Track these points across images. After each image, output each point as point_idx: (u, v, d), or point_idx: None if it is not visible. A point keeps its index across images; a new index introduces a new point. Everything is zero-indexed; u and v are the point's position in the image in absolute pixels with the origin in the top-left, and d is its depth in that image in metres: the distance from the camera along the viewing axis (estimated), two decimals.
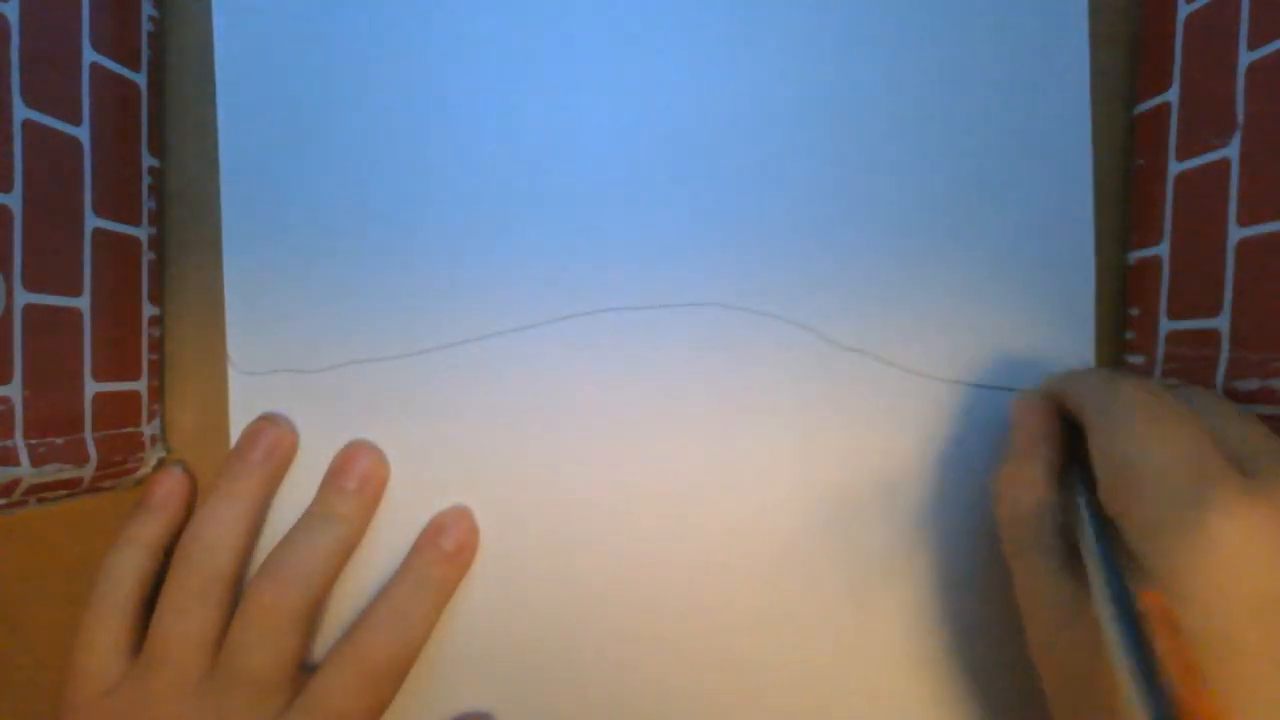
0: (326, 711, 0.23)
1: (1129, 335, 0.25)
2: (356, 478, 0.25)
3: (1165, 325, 0.24)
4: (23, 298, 0.21)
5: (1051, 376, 0.24)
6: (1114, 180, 0.26)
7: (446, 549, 0.25)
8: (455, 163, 0.26)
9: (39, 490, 0.22)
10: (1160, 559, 0.18)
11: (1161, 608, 0.18)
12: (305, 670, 0.24)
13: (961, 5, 0.26)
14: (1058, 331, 0.26)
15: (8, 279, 0.21)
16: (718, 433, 0.26)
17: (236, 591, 0.24)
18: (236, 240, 0.26)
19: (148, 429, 0.26)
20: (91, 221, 0.23)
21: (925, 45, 0.26)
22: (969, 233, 0.25)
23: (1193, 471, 0.18)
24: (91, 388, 0.23)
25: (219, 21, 0.26)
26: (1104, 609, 0.18)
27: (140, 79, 0.25)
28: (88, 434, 0.23)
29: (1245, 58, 0.21)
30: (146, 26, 0.26)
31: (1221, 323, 0.22)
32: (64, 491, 0.23)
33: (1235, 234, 0.21)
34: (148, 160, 0.26)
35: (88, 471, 0.23)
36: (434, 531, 0.25)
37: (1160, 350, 0.24)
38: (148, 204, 0.26)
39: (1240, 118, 0.21)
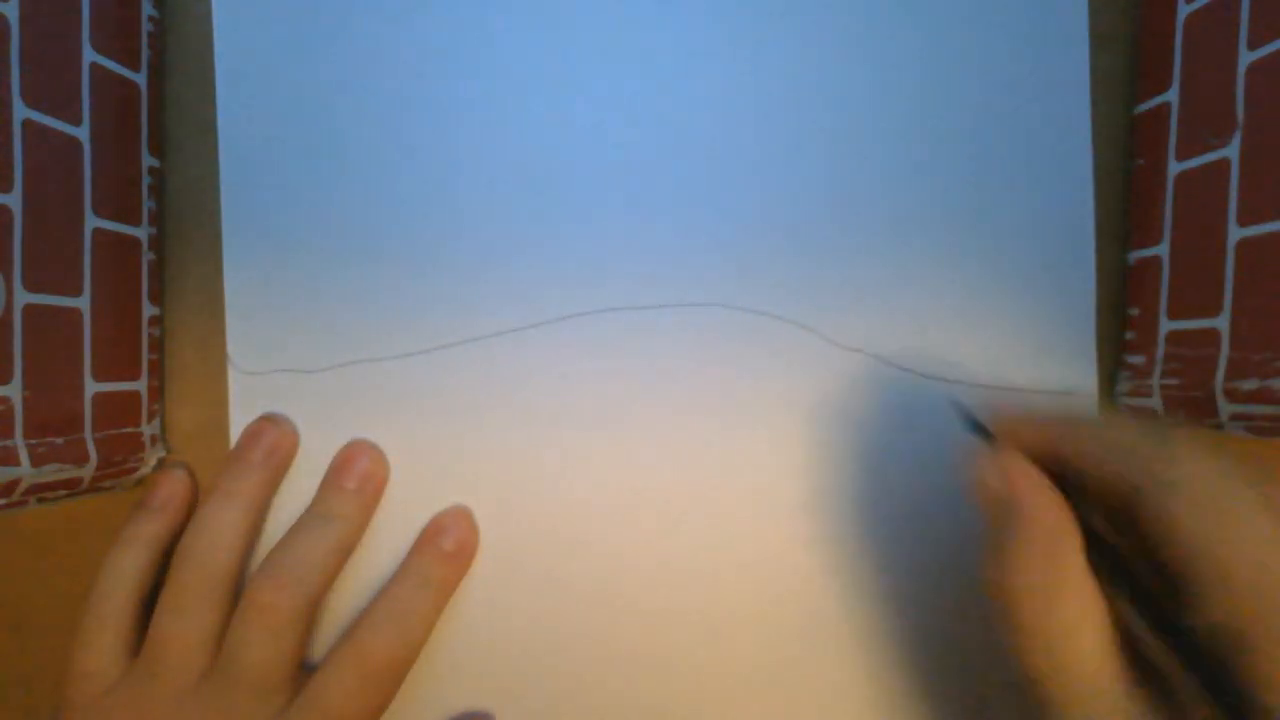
0: (326, 711, 0.23)
1: (1129, 335, 0.25)
2: (356, 477, 0.25)
3: (1165, 325, 0.24)
4: (23, 298, 0.21)
5: (1035, 420, 0.20)
6: (1114, 180, 0.26)
7: (446, 549, 0.25)
8: (455, 162, 0.26)
9: (39, 490, 0.22)
10: None
11: None
12: (305, 670, 0.24)
13: (961, 5, 0.26)
14: (1058, 331, 0.26)
15: (8, 279, 0.21)
16: (718, 432, 0.26)
17: (236, 591, 0.24)
18: (236, 240, 0.26)
19: (148, 429, 0.26)
20: (91, 221, 0.23)
21: (925, 45, 0.26)
22: (969, 233, 0.25)
23: None
24: (91, 388, 0.23)
25: (219, 21, 0.26)
26: None
27: (140, 79, 0.25)
28: (88, 434, 0.23)
29: (1245, 58, 0.21)
30: (146, 26, 0.26)
31: (1221, 323, 0.22)
32: (64, 491, 0.23)
33: (1235, 234, 0.21)
34: (148, 160, 0.26)
35: (88, 471, 0.23)
36: (434, 531, 0.25)
37: (1160, 350, 0.24)
38: (148, 204, 0.26)
39: (1240, 118, 0.21)
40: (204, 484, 0.27)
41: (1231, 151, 0.22)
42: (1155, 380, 0.24)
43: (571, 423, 0.26)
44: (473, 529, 0.26)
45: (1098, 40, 0.26)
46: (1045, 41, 0.25)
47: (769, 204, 0.26)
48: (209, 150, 0.26)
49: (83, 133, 0.23)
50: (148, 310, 0.26)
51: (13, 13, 0.21)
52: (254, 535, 0.25)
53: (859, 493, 0.25)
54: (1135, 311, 0.25)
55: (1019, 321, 0.25)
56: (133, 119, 0.25)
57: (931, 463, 0.25)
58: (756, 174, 0.26)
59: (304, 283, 0.26)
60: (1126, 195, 0.26)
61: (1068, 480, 0.19)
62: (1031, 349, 0.25)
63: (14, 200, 0.21)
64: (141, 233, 0.25)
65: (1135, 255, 0.25)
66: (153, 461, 0.26)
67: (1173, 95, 0.24)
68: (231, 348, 0.26)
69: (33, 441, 0.21)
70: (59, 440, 0.22)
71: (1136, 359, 0.25)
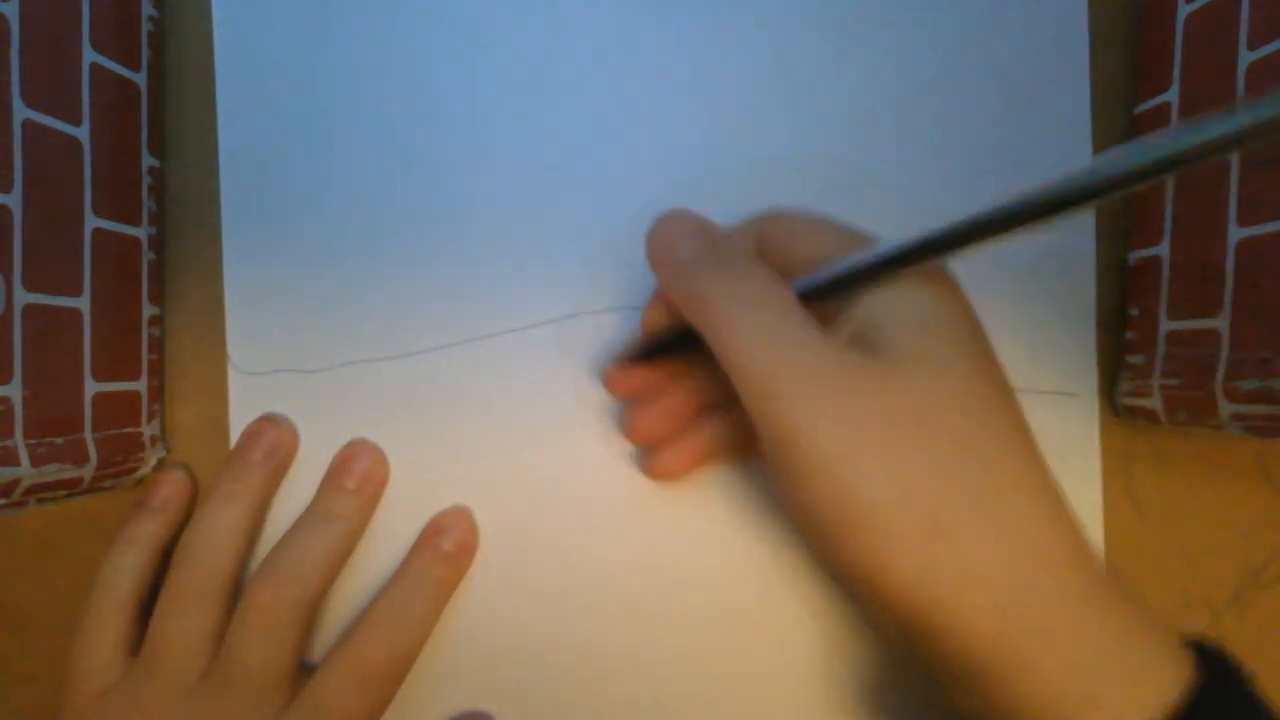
0: (325, 711, 0.23)
1: (1129, 335, 0.25)
2: (357, 477, 0.25)
3: (1165, 325, 0.24)
4: (23, 298, 0.21)
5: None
6: None
7: (446, 549, 0.25)
8: (455, 162, 0.26)
9: (39, 490, 0.22)
10: None
11: None
12: (305, 670, 0.24)
13: (962, 5, 0.26)
14: (1058, 331, 0.26)
15: (8, 279, 0.21)
16: None
17: (236, 591, 0.24)
18: (236, 240, 0.26)
19: (148, 429, 0.26)
20: (91, 221, 0.23)
21: (925, 45, 0.26)
22: None
23: None
24: (91, 388, 0.23)
25: (219, 21, 0.26)
26: None
27: (140, 79, 0.25)
28: (88, 434, 0.23)
29: (1245, 58, 0.21)
30: (146, 26, 0.26)
31: (1221, 323, 0.22)
32: (64, 491, 0.23)
33: (1235, 234, 0.21)
34: (148, 160, 0.26)
35: (88, 471, 0.23)
36: (433, 532, 0.25)
37: (1160, 350, 0.24)
38: (148, 204, 0.26)
39: None
40: (204, 484, 0.27)
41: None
42: (1155, 380, 0.24)
43: (572, 423, 0.26)
44: (472, 529, 0.26)
45: (1098, 40, 0.26)
46: (1045, 41, 0.25)
47: (769, 204, 0.26)
48: (209, 150, 0.26)
49: (83, 133, 0.23)
50: (148, 310, 0.26)
51: (13, 13, 0.21)
52: (254, 535, 0.25)
53: None
54: (1135, 311, 0.25)
55: (1019, 321, 0.25)
56: (133, 119, 0.25)
57: None
58: (756, 174, 0.26)
59: (304, 283, 0.26)
60: (1126, 195, 0.26)
61: None
62: (1031, 349, 0.25)
63: (14, 200, 0.21)
64: (141, 233, 0.25)
65: (1135, 255, 0.25)
66: (153, 461, 0.26)
67: (1173, 95, 0.24)
68: (231, 348, 0.26)
69: (33, 441, 0.21)
70: (59, 440, 0.22)
71: (1136, 359, 0.25)
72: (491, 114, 0.26)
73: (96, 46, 0.23)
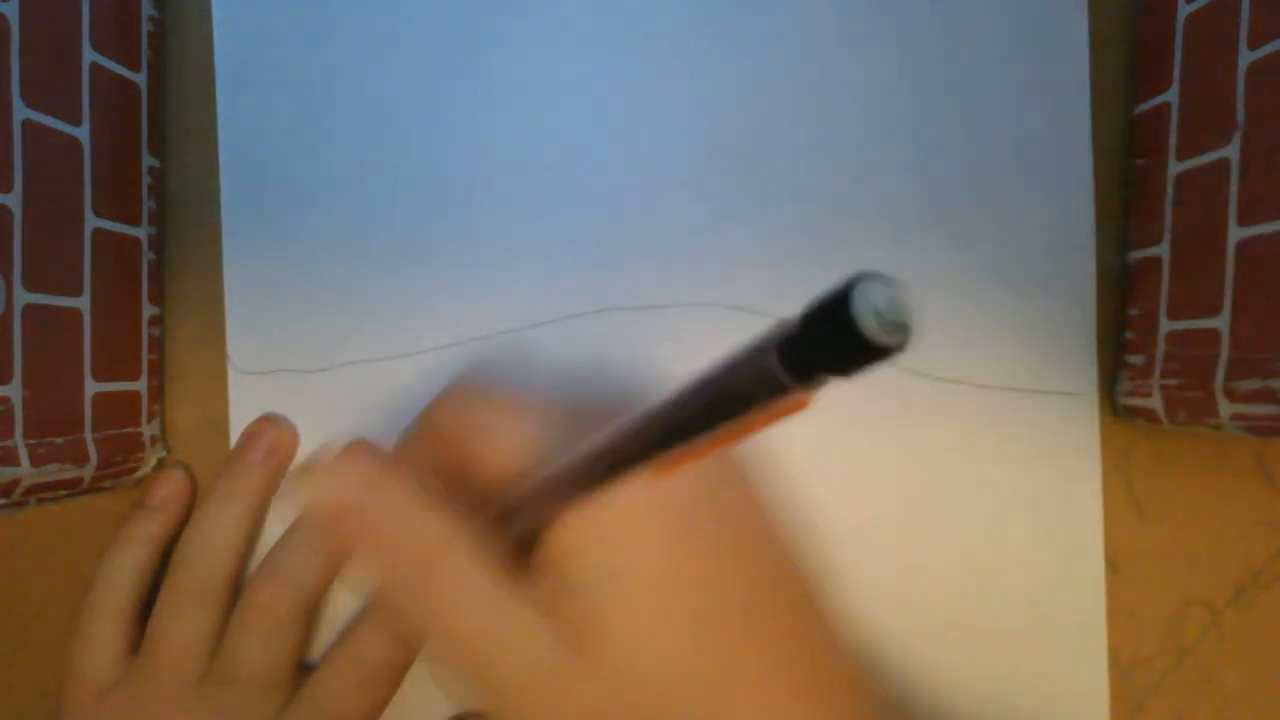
0: (324, 711, 0.23)
1: (1129, 335, 0.25)
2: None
3: (1165, 325, 0.24)
4: (23, 298, 0.21)
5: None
6: (1114, 180, 0.26)
7: None
8: (455, 162, 0.26)
9: (39, 490, 0.22)
10: None
11: None
12: (304, 670, 0.24)
13: (961, 5, 0.26)
14: (1058, 331, 0.26)
15: (8, 279, 0.21)
16: None
17: (235, 592, 0.24)
18: (236, 240, 0.26)
19: (148, 429, 0.26)
20: (91, 221, 0.23)
21: (925, 46, 0.26)
22: (969, 233, 0.25)
23: None
24: (91, 388, 0.23)
25: (219, 21, 0.26)
26: None
27: (140, 79, 0.25)
28: (88, 434, 0.23)
29: (1245, 58, 0.21)
30: (146, 26, 0.26)
31: (1221, 323, 0.22)
32: (64, 491, 0.23)
33: (1235, 234, 0.21)
34: (148, 160, 0.26)
35: (88, 471, 0.23)
36: None
37: (1160, 350, 0.24)
38: (148, 204, 0.26)
39: (1240, 118, 0.21)
40: (204, 484, 0.27)
41: (1231, 151, 0.21)
42: (1155, 380, 0.24)
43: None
44: None
45: (1098, 40, 0.26)
46: (1045, 41, 0.25)
47: (768, 205, 0.26)
48: (209, 150, 0.26)
49: (83, 133, 0.23)
50: (148, 310, 0.26)
51: (13, 13, 0.21)
52: (253, 536, 0.25)
53: (856, 493, 0.25)
54: (1135, 311, 0.25)
55: (1019, 321, 0.25)
56: (133, 119, 0.25)
57: (930, 462, 0.25)
58: (758, 175, 0.26)
59: (304, 283, 0.26)
60: (1126, 195, 0.26)
61: None
62: (1031, 349, 0.25)
63: (14, 200, 0.21)
64: (141, 233, 0.25)
65: (1135, 255, 0.25)
66: (153, 461, 0.26)
67: (1173, 95, 0.24)
68: (231, 348, 0.26)
69: (33, 441, 0.21)
70: (59, 440, 0.22)
71: (1136, 359, 0.25)
72: (492, 114, 0.26)
73: (96, 46, 0.23)
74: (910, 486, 0.25)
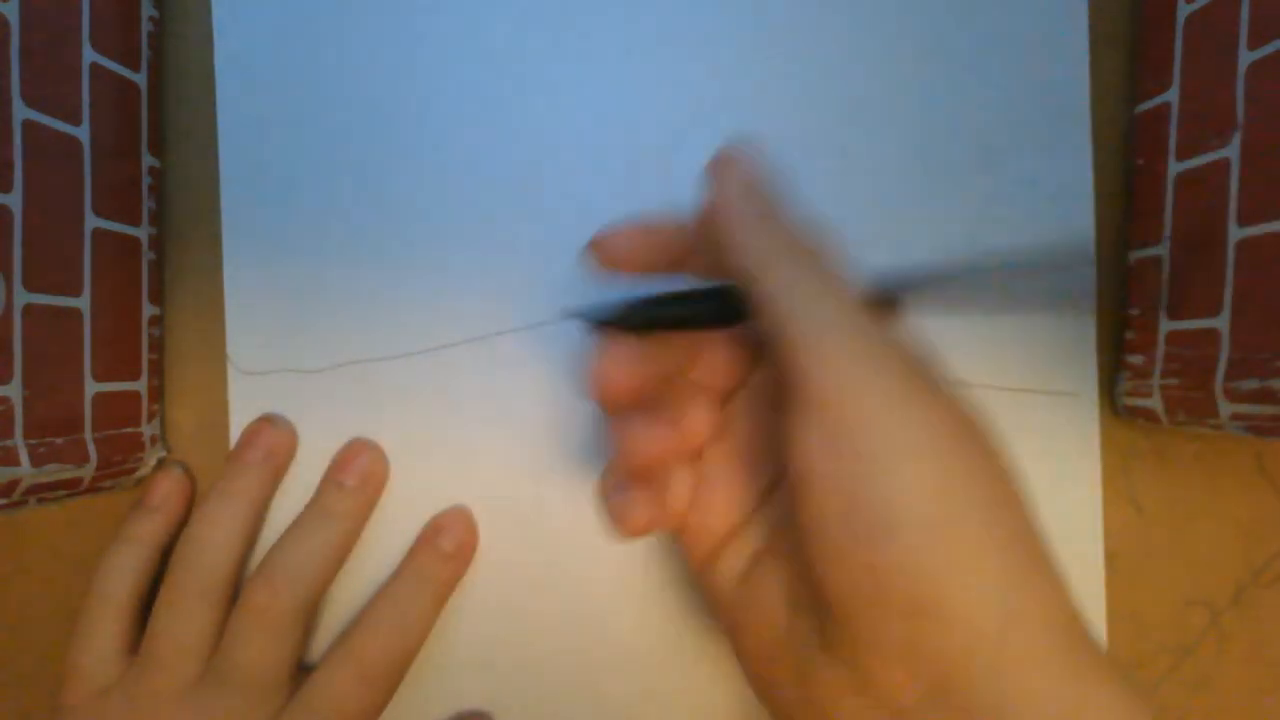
0: (324, 712, 0.23)
1: (1129, 335, 0.25)
2: (357, 474, 0.25)
3: (1165, 325, 0.24)
4: (23, 298, 0.21)
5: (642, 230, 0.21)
6: (1114, 180, 0.26)
7: (445, 549, 0.25)
8: (456, 162, 0.26)
9: (39, 490, 0.22)
10: None
11: None
12: (303, 670, 0.24)
13: (962, 5, 0.26)
14: (1058, 331, 0.26)
15: (8, 279, 0.21)
16: None
17: (234, 592, 0.24)
18: (236, 240, 0.26)
19: (148, 429, 0.26)
20: (91, 221, 0.23)
21: (925, 45, 0.26)
22: (969, 233, 0.25)
23: None
24: (91, 388, 0.23)
25: (219, 21, 0.26)
26: None
27: (140, 79, 0.25)
28: (88, 434, 0.23)
29: (1245, 58, 0.21)
30: (146, 26, 0.26)
31: (1221, 323, 0.22)
32: (64, 491, 0.23)
33: (1235, 234, 0.21)
34: (148, 160, 0.26)
35: (88, 471, 0.23)
36: (433, 531, 0.25)
37: (1160, 350, 0.24)
38: (148, 204, 0.26)
39: (1240, 118, 0.21)
40: (204, 484, 0.27)
41: (1231, 151, 0.22)
42: (1155, 380, 0.24)
43: (572, 423, 0.26)
44: (472, 529, 0.26)
45: (1098, 40, 0.26)
46: (1045, 41, 0.25)
47: None
48: (209, 150, 0.26)
49: (83, 133, 0.23)
50: (148, 310, 0.26)
51: (13, 13, 0.21)
52: (252, 535, 0.25)
53: None
54: (1135, 311, 0.25)
55: (1019, 321, 0.25)
56: (133, 119, 0.25)
57: None
58: None
59: (304, 283, 0.26)
60: (1126, 195, 0.26)
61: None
62: (1031, 349, 0.25)
63: (14, 200, 0.21)
64: (141, 233, 0.25)
65: (1135, 255, 0.25)
66: (153, 461, 0.26)
67: (1173, 95, 0.24)
68: (231, 348, 0.26)
69: (33, 441, 0.21)
70: (59, 440, 0.22)
71: (1136, 359, 0.25)
72: (491, 114, 0.26)
73: (96, 46, 0.23)
74: None
